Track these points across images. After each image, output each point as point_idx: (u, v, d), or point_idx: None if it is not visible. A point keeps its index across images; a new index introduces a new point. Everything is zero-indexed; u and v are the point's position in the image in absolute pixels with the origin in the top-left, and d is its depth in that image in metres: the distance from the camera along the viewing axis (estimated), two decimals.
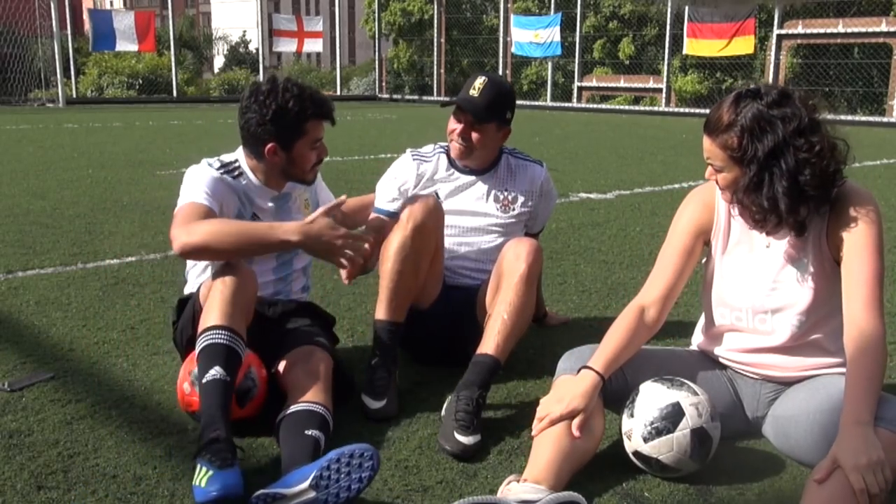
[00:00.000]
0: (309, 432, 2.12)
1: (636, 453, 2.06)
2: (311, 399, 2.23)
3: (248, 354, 2.33)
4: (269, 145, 2.52)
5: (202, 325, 2.22)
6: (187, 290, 2.68)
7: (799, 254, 2.10)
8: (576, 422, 2.00)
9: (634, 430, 2.05)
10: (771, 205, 1.99)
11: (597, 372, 2.08)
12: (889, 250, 4.76)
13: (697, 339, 2.40)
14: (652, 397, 2.05)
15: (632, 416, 2.07)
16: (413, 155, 2.91)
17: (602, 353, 2.13)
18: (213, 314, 2.22)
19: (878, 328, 1.94)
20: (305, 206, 2.76)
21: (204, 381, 2.12)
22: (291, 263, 2.72)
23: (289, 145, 2.53)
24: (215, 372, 2.12)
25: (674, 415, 2.01)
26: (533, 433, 2.04)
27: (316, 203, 2.81)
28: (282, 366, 2.42)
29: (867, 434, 1.78)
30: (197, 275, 2.67)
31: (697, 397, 2.04)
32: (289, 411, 2.20)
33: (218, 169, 2.55)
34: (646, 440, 2.03)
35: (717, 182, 2.10)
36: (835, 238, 2.05)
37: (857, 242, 2.00)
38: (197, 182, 2.49)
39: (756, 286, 2.15)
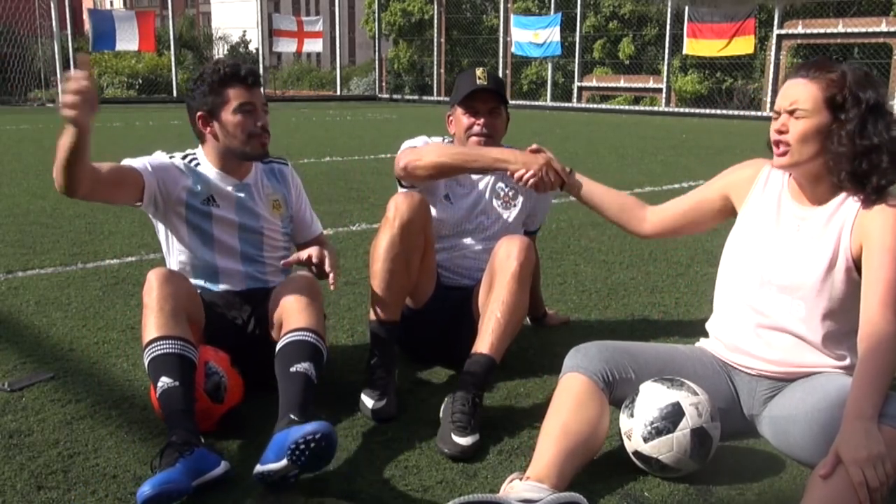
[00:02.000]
0: (295, 368, 2.21)
1: (636, 453, 2.06)
2: (299, 325, 2.30)
3: (202, 349, 2.34)
4: (199, 114, 2.58)
5: (143, 342, 2.25)
6: None
7: (822, 243, 2.12)
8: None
9: (634, 430, 2.05)
10: (880, 145, 2.02)
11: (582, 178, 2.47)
12: None
13: (709, 325, 2.41)
14: (652, 397, 2.05)
15: (631, 415, 2.07)
16: (428, 139, 2.90)
17: (595, 183, 2.53)
18: (148, 329, 2.25)
19: (891, 328, 1.94)
20: (275, 206, 2.71)
21: (157, 395, 2.17)
22: (262, 255, 2.68)
23: (215, 112, 2.56)
24: (162, 383, 2.15)
25: (674, 414, 2.01)
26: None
27: (288, 204, 2.75)
28: (271, 302, 2.49)
29: (869, 429, 1.78)
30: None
31: (697, 397, 2.04)
32: (280, 345, 2.29)
33: (171, 156, 2.62)
34: (646, 440, 2.03)
35: (784, 135, 2.07)
36: (858, 234, 2.07)
37: (880, 243, 2.02)
38: (141, 157, 2.59)
39: (771, 258, 2.17)
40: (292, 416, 2.09)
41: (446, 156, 2.59)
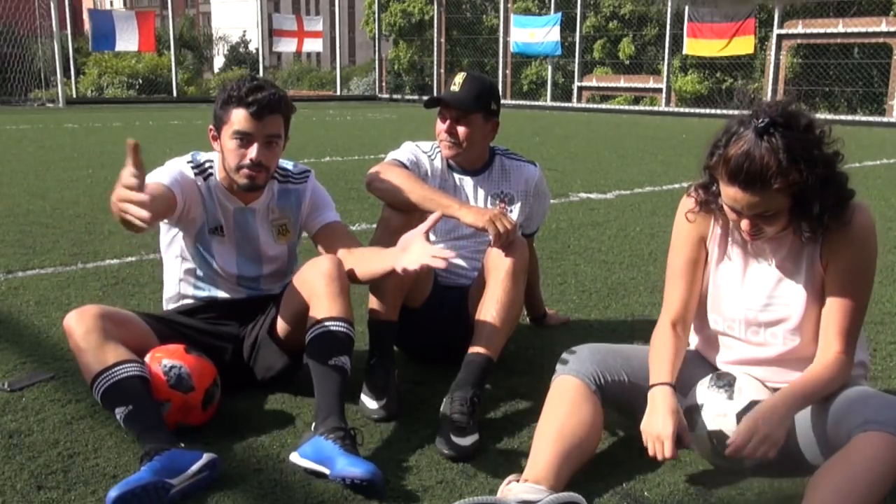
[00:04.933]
0: (334, 362, 2.25)
1: (717, 432, 2.03)
2: (334, 314, 2.32)
3: (151, 353, 2.34)
4: (210, 126, 2.49)
5: (88, 380, 2.23)
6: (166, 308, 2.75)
7: (795, 270, 2.07)
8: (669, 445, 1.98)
9: (730, 412, 2.02)
10: (825, 216, 1.93)
11: (668, 384, 2.06)
12: (889, 250, 4.77)
13: (693, 338, 2.39)
14: (751, 387, 2.05)
15: (731, 398, 2.04)
16: (416, 145, 2.89)
17: (662, 367, 2.10)
18: (85, 372, 2.23)
19: (841, 360, 2.01)
20: (281, 231, 2.62)
21: (122, 424, 2.18)
22: (260, 287, 2.67)
23: (219, 129, 2.45)
24: (118, 413, 2.16)
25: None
26: (662, 456, 1.98)
27: (296, 226, 2.66)
28: (294, 284, 2.48)
29: (783, 421, 1.92)
30: (168, 297, 2.71)
31: None
32: (314, 333, 2.30)
33: (190, 164, 2.52)
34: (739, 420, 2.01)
35: (757, 233, 1.97)
36: (825, 258, 2.02)
37: (842, 269, 2.00)
38: (166, 171, 2.48)
39: (750, 300, 2.12)
40: (340, 423, 2.12)
41: (404, 190, 2.54)
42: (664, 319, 2.22)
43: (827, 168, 1.90)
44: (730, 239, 2.17)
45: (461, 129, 2.77)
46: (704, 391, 2.09)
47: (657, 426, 1.99)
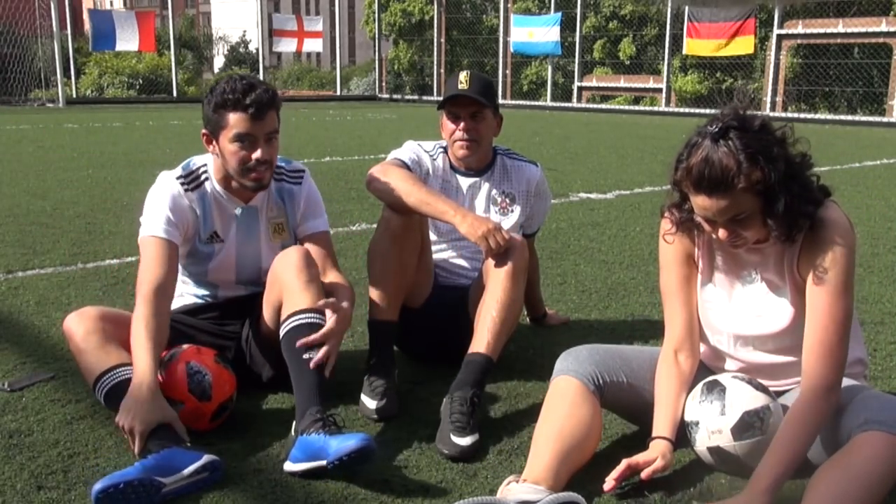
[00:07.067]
0: (308, 355, 2.24)
1: (716, 449, 2.04)
2: (304, 307, 2.31)
3: (183, 351, 2.34)
4: (203, 130, 2.49)
5: (90, 381, 2.27)
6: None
7: (780, 282, 2.06)
8: (647, 471, 1.99)
9: (724, 428, 2.01)
10: (794, 214, 1.91)
11: (667, 440, 2.05)
12: (889, 250, 4.77)
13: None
14: (742, 397, 2.02)
15: (723, 413, 2.02)
16: (419, 144, 2.89)
17: (663, 414, 2.08)
18: (86, 374, 2.27)
19: (824, 383, 1.91)
20: (276, 230, 2.60)
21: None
22: (261, 279, 2.64)
23: (215, 133, 2.43)
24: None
25: (763, 415, 2.00)
26: (606, 487, 1.98)
27: (291, 225, 2.63)
28: (267, 283, 2.48)
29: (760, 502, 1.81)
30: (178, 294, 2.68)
31: (776, 402, 2.03)
32: (287, 328, 2.30)
33: (179, 181, 2.48)
34: (736, 438, 2.00)
35: (736, 239, 1.95)
36: (804, 270, 2.00)
37: (822, 285, 1.94)
38: (158, 206, 2.44)
39: (739, 316, 2.11)
40: (317, 415, 2.12)
41: (403, 192, 2.53)
42: (667, 348, 2.19)
43: (790, 165, 1.91)
44: (715, 256, 2.15)
45: (477, 126, 2.77)
46: (696, 407, 2.08)
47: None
